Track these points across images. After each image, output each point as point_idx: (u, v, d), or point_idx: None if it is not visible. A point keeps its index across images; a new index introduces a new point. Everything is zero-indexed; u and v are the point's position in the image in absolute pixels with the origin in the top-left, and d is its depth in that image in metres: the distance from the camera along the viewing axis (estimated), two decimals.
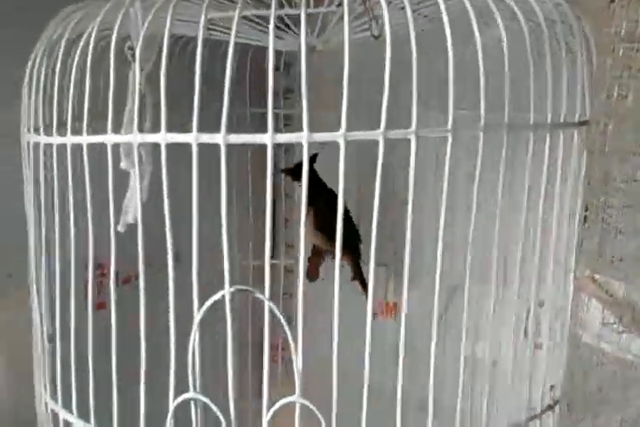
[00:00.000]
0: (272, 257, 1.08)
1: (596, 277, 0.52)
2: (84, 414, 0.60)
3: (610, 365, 0.53)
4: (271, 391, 0.52)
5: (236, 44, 0.47)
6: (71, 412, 0.61)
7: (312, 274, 0.94)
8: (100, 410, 0.58)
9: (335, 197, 0.80)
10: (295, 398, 0.49)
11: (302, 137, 0.48)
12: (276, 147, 0.48)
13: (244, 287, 0.48)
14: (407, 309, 1.01)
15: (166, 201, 0.49)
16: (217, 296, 0.49)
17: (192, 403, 0.51)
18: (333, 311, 0.50)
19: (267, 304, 0.49)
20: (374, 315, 0.98)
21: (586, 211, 0.57)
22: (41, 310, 0.67)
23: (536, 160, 0.54)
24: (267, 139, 0.48)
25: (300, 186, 0.94)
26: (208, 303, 0.49)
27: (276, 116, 0.48)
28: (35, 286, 0.68)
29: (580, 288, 0.53)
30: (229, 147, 0.48)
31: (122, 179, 0.56)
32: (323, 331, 0.52)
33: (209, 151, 0.49)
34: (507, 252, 0.59)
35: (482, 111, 0.49)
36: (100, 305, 0.88)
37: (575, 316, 0.57)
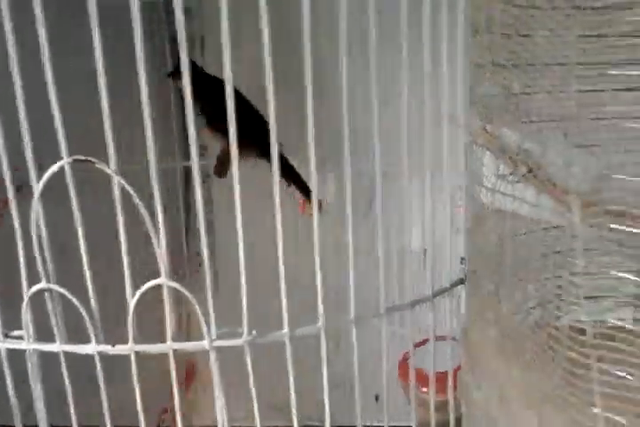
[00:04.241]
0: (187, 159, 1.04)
1: (488, 127, 0.47)
2: None
3: (511, 222, 0.49)
4: None
5: None
6: None
7: (220, 171, 0.90)
8: None
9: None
10: (162, 280, 0.45)
11: None
12: None
13: (82, 157, 0.42)
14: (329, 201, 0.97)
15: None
16: (54, 168, 0.43)
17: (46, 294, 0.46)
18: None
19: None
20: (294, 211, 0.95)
21: None
22: None
23: None
24: None
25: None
26: (46, 176, 0.43)
27: None
28: None
29: (475, 140, 0.48)
30: None
31: None
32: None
33: None
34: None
35: None
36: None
37: (474, 175, 0.53)
